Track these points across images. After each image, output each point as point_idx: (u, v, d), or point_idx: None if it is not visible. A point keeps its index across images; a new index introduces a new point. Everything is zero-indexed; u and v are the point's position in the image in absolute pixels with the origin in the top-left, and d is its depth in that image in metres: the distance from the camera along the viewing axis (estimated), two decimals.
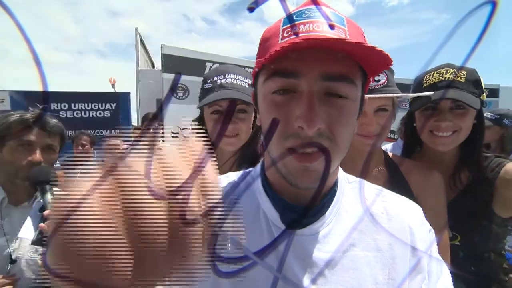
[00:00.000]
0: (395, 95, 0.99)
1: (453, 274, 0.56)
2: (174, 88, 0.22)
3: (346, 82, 0.46)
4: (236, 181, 0.62)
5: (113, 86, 5.15)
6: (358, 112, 0.52)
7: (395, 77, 1.05)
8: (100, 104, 5.02)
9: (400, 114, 2.41)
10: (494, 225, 1.11)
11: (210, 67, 3.51)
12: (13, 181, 1.09)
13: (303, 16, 0.47)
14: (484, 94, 1.12)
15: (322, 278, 0.49)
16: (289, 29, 0.47)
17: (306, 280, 0.48)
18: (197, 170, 0.22)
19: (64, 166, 3.20)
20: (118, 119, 4.96)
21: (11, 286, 0.98)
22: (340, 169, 0.59)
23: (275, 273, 0.43)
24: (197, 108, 1.15)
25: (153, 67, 5.15)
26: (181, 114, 3.30)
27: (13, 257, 1.04)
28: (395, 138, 3.29)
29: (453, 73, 1.10)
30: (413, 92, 1.19)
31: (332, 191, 0.55)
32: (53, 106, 4.78)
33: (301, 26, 0.46)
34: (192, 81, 3.31)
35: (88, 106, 4.99)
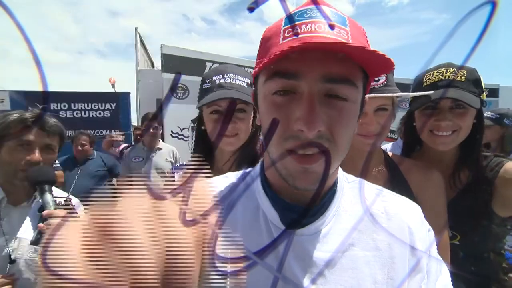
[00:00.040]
0: (394, 94, 0.99)
1: (453, 274, 0.56)
2: (174, 88, 0.22)
3: (347, 84, 0.46)
4: (236, 182, 0.62)
5: (113, 86, 5.16)
6: (359, 114, 0.52)
7: (395, 77, 1.05)
8: (100, 104, 5.02)
9: (400, 114, 2.41)
10: (493, 224, 1.11)
11: (210, 66, 3.51)
12: (12, 181, 1.09)
13: (305, 16, 0.47)
14: (484, 93, 1.12)
15: (322, 277, 0.49)
16: (290, 29, 0.47)
17: (305, 280, 0.48)
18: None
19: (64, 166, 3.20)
20: (118, 119, 4.96)
21: (10, 286, 0.98)
22: (340, 168, 0.59)
23: (275, 273, 0.43)
24: (196, 108, 1.15)
25: (153, 67, 5.15)
26: (181, 114, 3.31)
27: (12, 257, 1.04)
28: (395, 138, 3.29)
29: (453, 72, 1.10)
30: (413, 91, 1.19)
31: (331, 191, 0.55)
32: (53, 106, 4.78)
33: (303, 26, 0.45)
34: (192, 81, 3.31)
35: (88, 106, 4.99)
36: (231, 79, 1.10)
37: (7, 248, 1.04)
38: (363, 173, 0.90)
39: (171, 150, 3.24)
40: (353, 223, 0.53)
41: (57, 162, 3.06)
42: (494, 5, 0.24)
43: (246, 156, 1.13)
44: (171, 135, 3.56)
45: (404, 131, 1.41)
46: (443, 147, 1.11)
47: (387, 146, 2.02)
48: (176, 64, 3.41)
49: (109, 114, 5.01)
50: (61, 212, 1.02)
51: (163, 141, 3.39)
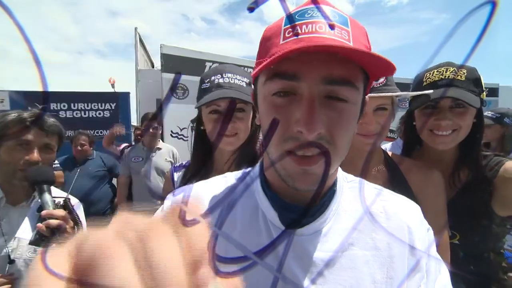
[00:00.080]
0: (394, 94, 0.99)
1: (453, 274, 0.56)
2: (174, 88, 0.22)
3: (348, 86, 0.45)
4: (235, 182, 0.62)
5: (112, 86, 5.15)
6: (359, 115, 0.51)
7: (394, 76, 1.05)
8: (99, 104, 5.02)
9: (399, 114, 2.42)
10: (493, 224, 1.11)
11: (210, 66, 3.51)
12: (11, 181, 1.09)
13: (305, 15, 0.46)
14: (484, 93, 1.12)
15: (321, 277, 0.49)
16: (290, 29, 0.46)
17: (305, 280, 0.48)
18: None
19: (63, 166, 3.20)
20: (117, 119, 4.94)
21: (10, 286, 0.98)
22: (339, 168, 0.59)
23: (275, 273, 0.43)
24: (195, 108, 1.15)
25: (153, 67, 5.15)
26: (181, 114, 3.30)
27: (12, 257, 1.04)
28: (394, 137, 3.29)
29: (453, 71, 1.10)
30: (413, 90, 1.19)
31: (331, 191, 0.55)
32: (53, 106, 4.78)
33: (303, 26, 0.45)
34: (191, 81, 3.31)
35: (87, 106, 4.99)
36: (230, 79, 1.10)
37: (6, 248, 1.04)
38: (363, 173, 0.90)
39: (171, 150, 3.24)
40: (352, 222, 0.53)
41: (56, 162, 3.06)
42: (494, 5, 0.24)
43: (245, 156, 1.13)
44: (171, 135, 3.56)
45: (404, 131, 1.41)
46: (443, 147, 1.11)
47: (386, 146, 2.02)
48: (176, 64, 3.40)
49: (108, 114, 5.01)
50: (60, 212, 1.02)
51: (163, 141, 3.39)
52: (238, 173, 0.65)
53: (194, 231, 0.20)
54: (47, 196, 1.04)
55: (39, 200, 1.05)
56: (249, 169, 0.63)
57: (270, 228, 0.52)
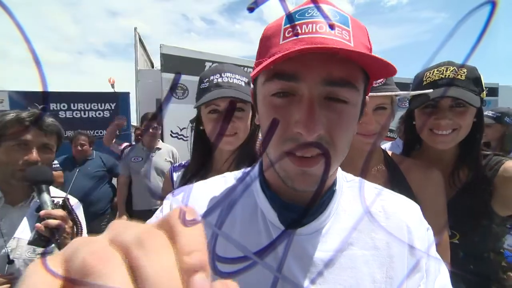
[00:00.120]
0: (393, 93, 0.99)
1: (453, 274, 0.56)
2: (173, 88, 0.22)
3: (348, 87, 0.45)
4: (234, 182, 0.62)
5: (112, 86, 5.15)
6: (359, 116, 0.51)
7: (394, 76, 1.05)
8: (99, 104, 5.02)
9: (399, 113, 2.42)
10: (494, 224, 1.11)
11: (210, 66, 3.50)
12: (10, 181, 1.08)
13: (306, 15, 0.45)
14: (484, 92, 1.12)
15: (321, 277, 0.49)
16: (290, 29, 0.46)
17: (304, 279, 0.48)
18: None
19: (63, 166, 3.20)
20: None
21: (9, 285, 0.98)
22: (339, 168, 0.59)
23: (275, 273, 0.43)
24: (194, 107, 1.15)
25: (153, 67, 5.15)
26: (181, 114, 3.30)
27: (11, 257, 1.04)
28: (394, 137, 3.29)
29: (454, 70, 1.10)
30: (413, 89, 1.19)
31: (330, 191, 0.55)
32: (53, 106, 4.77)
33: (303, 26, 0.44)
34: (191, 81, 3.31)
35: (87, 106, 4.99)
36: (229, 78, 1.10)
37: (6, 248, 1.04)
38: (363, 173, 0.90)
39: (171, 150, 3.24)
40: (352, 222, 0.53)
41: (56, 162, 3.06)
42: (494, 5, 0.24)
43: (245, 156, 1.13)
44: (170, 135, 3.55)
45: (404, 130, 1.41)
46: (443, 146, 1.11)
47: (386, 146, 2.02)
48: (176, 64, 3.40)
49: (108, 114, 5.00)
50: (59, 212, 1.02)
51: (162, 141, 3.39)
52: (237, 173, 0.65)
53: (189, 236, 0.20)
54: (45, 196, 1.04)
55: (38, 200, 1.05)
56: (248, 169, 0.63)
57: (269, 228, 0.52)
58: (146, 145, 3.15)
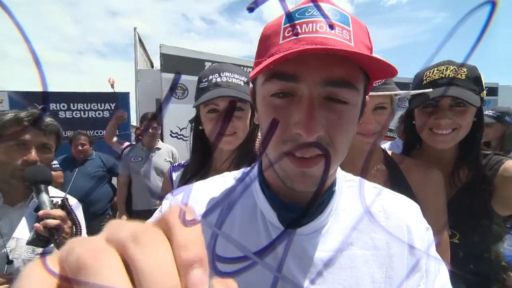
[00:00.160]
0: (393, 92, 0.99)
1: (453, 274, 0.56)
2: (173, 88, 0.22)
3: (348, 87, 0.45)
4: (234, 182, 0.62)
5: (112, 86, 5.14)
6: (359, 116, 0.51)
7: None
8: (99, 105, 5.03)
9: (398, 113, 2.42)
10: (494, 224, 1.11)
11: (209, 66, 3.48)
12: (9, 181, 1.08)
13: (306, 14, 0.45)
14: (484, 91, 1.12)
15: (320, 277, 0.49)
16: (290, 29, 0.45)
17: (304, 279, 0.48)
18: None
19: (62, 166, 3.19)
20: None
21: (8, 286, 0.98)
22: (338, 167, 0.59)
23: (275, 273, 0.43)
24: (193, 107, 1.15)
25: (152, 67, 5.14)
26: (180, 114, 3.30)
27: (10, 257, 1.04)
28: (393, 136, 3.29)
29: (454, 70, 1.09)
30: (413, 89, 1.19)
31: (330, 190, 0.55)
32: (52, 106, 4.78)
33: (303, 26, 0.44)
34: (191, 81, 3.30)
35: (87, 106, 4.99)
36: (228, 78, 1.10)
37: (5, 249, 1.04)
38: (363, 172, 0.90)
39: (170, 150, 3.24)
40: (351, 222, 0.53)
41: (56, 162, 3.06)
42: (494, 5, 0.24)
43: (244, 155, 1.13)
44: (170, 135, 3.55)
45: (403, 130, 1.41)
46: (443, 146, 1.11)
47: (385, 146, 2.02)
48: (176, 64, 3.39)
49: (108, 114, 5.00)
50: (58, 212, 1.02)
51: (162, 141, 3.38)
52: (236, 173, 0.65)
53: (186, 232, 0.19)
54: (44, 196, 1.03)
55: (37, 200, 1.05)
56: (248, 169, 0.63)
57: (269, 228, 0.52)
58: (145, 145, 3.14)
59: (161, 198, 0.66)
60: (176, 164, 1.31)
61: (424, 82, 1.14)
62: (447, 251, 1.00)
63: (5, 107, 4.45)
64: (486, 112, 2.41)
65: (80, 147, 3.26)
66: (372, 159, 1.06)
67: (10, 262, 1.03)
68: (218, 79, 1.09)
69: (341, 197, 0.56)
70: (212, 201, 0.57)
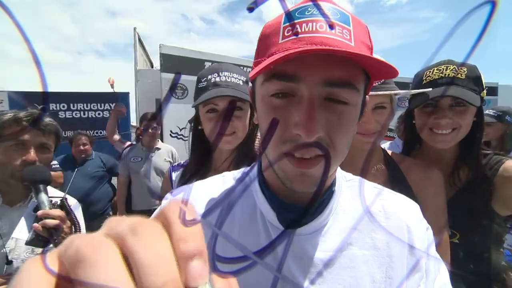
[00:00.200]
0: (392, 92, 0.98)
1: (453, 274, 0.56)
2: (173, 88, 0.22)
3: (348, 88, 0.44)
4: (234, 182, 0.61)
5: (112, 86, 5.14)
6: (359, 116, 0.51)
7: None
8: (99, 105, 5.04)
9: (398, 113, 2.42)
10: (494, 224, 1.11)
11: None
12: (8, 181, 1.08)
13: (306, 13, 0.45)
14: (484, 91, 1.12)
15: (320, 277, 0.49)
16: (289, 28, 0.45)
17: (304, 279, 0.48)
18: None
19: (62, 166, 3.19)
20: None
21: (7, 286, 0.97)
22: (338, 167, 0.59)
23: (275, 273, 0.43)
24: (192, 107, 1.15)
25: (152, 67, 5.14)
26: (180, 114, 3.30)
27: (9, 257, 1.03)
28: (393, 136, 3.29)
29: (454, 69, 1.09)
30: (413, 89, 1.19)
31: (329, 190, 0.55)
32: (52, 106, 4.79)
33: (303, 25, 0.43)
34: (191, 81, 3.29)
35: (87, 106, 5.00)
36: (227, 77, 1.10)
37: (4, 249, 1.04)
38: (363, 172, 0.90)
39: (170, 150, 3.24)
40: (351, 222, 0.53)
41: (56, 162, 3.06)
42: (494, 5, 0.24)
43: (244, 155, 1.13)
44: (170, 135, 3.55)
45: (403, 130, 1.41)
46: (443, 145, 1.11)
47: (385, 145, 2.02)
48: (175, 64, 3.39)
49: (108, 115, 5.01)
50: (57, 212, 1.01)
51: (162, 141, 3.38)
52: (236, 173, 0.64)
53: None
54: (43, 196, 1.03)
55: (36, 200, 1.04)
56: (247, 169, 0.63)
57: (268, 228, 0.52)
58: (145, 145, 3.14)
59: (160, 198, 0.66)
60: (176, 164, 1.31)
61: (424, 81, 1.14)
62: (447, 251, 1.00)
63: (5, 107, 4.45)
64: (486, 112, 2.41)
65: (81, 147, 3.26)
66: (372, 159, 1.06)
67: (9, 262, 1.03)
68: (217, 79, 1.09)
69: (341, 197, 0.56)
70: (211, 201, 0.57)
